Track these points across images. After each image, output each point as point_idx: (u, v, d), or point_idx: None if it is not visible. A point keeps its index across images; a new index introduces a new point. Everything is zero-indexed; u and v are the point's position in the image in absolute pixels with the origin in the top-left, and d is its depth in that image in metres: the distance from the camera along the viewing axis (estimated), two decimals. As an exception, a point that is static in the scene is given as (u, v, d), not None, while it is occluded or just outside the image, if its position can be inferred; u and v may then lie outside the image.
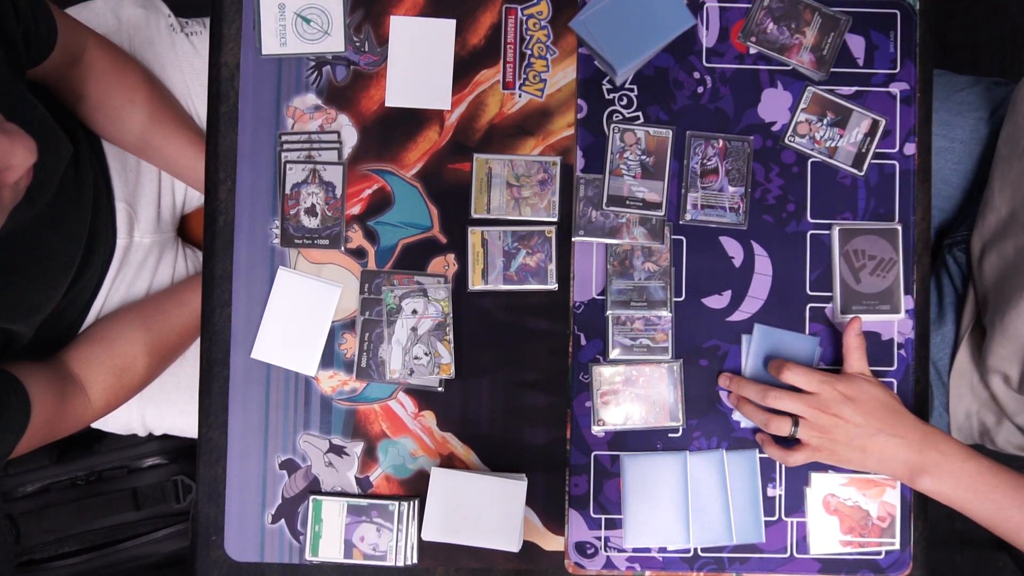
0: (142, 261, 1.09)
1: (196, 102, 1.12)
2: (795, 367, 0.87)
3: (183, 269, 1.15)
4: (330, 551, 0.92)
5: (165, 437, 1.22)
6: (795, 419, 0.87)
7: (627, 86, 0.95)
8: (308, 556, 0.92)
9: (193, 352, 1.13)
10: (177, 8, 1.14)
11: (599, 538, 0.94)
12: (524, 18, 0.95)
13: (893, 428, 0.85)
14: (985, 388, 1.04)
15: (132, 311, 1.07)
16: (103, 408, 1.02)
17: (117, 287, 1.07)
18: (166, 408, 1.14)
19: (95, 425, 1.15)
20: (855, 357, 0.89)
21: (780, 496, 0.94)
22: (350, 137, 0.95)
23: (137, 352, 1.04)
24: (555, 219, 0.94)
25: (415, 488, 0.94)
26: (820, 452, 0.87)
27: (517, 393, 0.94)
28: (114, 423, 1.15)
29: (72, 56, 0.97)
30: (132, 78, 1.04)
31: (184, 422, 1.15)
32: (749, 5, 0.94)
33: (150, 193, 1.10)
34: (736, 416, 0.94)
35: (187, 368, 1.13)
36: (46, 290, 0.90)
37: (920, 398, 0.94)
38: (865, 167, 0.94)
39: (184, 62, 1.11)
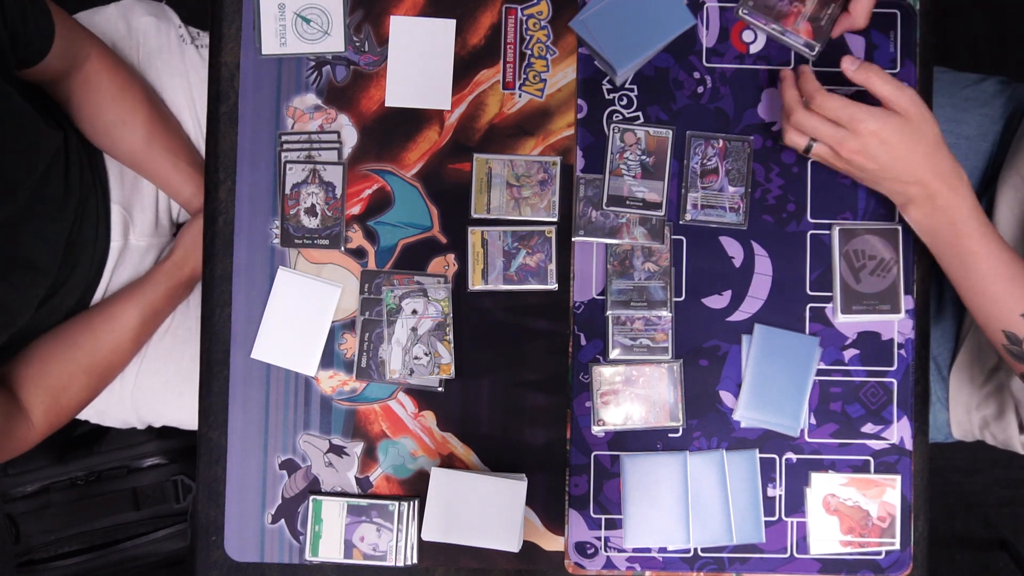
0: (137, 264, 1.08)
1: (200, 114, 1.10)
2: (829, 96, 0.81)
3: None
4: (330, 551, 0.92)
5: (165, 437, 1.22)
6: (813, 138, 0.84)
7: (627, 86, 0.95)
8: (308, 556, 0.92)
9: (186, 346, 1.11)
10: (189, 19, 1.14)
11: (599, 538, 0.94)
12: (524, 18, 0.95)
13: (911, 174, 0.81)
14: (988, 381, 1.03)
15: (63, 331, 1.02)
16: (46, 430, 0.99)
17: (112, 290, 1.06)
18: (159, 402, 1.12)
19: (95, 421, 1.15)
20: (876, 83, 0.80)
21: (780, 496, 0.94)
22: (350, 137, 0.95)
23: (72, 372, 1.00)
24: (555, 219, 0.94)
25: (415, 488, 0.94)
26: (832, 164, 0.85)
27: (517, 393, 0.94)
28: (113, 419, 1.14)
29: (70, 63, 0.96)
30: (131, 98, 1.02)
31: (183, 416, 1.14)
32: (749, 5, 0.94)
33: (148, 197, 1.10)
34: (736, 416, 0.94)
35: (174, 365, 1.11)
36: (21, 297, 0.88)
37: (920, 398, 0.94)
38: (865, 167, 0.94)
39: (192, 72, 1.10)
